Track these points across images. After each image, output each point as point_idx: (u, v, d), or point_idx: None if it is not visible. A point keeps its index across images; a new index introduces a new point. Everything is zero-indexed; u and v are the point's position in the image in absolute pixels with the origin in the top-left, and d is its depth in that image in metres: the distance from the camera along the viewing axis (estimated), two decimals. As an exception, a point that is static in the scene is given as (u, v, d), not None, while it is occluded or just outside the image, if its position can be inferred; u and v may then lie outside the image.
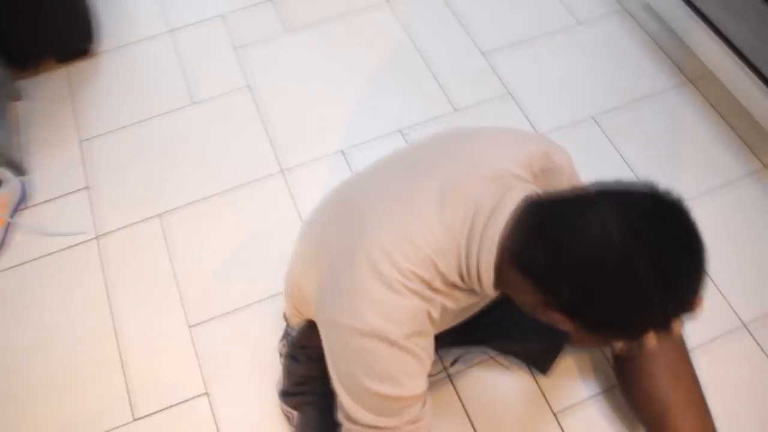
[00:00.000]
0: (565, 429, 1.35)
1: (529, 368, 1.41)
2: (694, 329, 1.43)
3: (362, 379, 0.82)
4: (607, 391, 1.38)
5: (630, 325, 0.72)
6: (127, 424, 1.39)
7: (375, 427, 0.85)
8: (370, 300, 0.80)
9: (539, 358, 1.32)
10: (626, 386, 1.26)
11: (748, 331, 1.45)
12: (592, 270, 0.69)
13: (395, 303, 0.80)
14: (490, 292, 0.84)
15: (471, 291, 0.87)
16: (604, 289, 0.69)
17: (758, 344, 1.43)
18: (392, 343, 0.79)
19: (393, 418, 0.84)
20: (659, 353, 1.15)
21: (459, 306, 0.89)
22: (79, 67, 1.96)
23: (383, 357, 0.80)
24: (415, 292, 0.81)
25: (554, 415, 1.36)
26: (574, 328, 0.74)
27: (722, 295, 1.49)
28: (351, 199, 0.94)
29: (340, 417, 0.89)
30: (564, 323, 0.74)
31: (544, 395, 1.39)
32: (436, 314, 0.85)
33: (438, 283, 0.83)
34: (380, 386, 0.81)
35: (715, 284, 1.50)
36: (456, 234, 0.82)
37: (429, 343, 0.85)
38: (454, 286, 0.85)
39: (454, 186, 0.84)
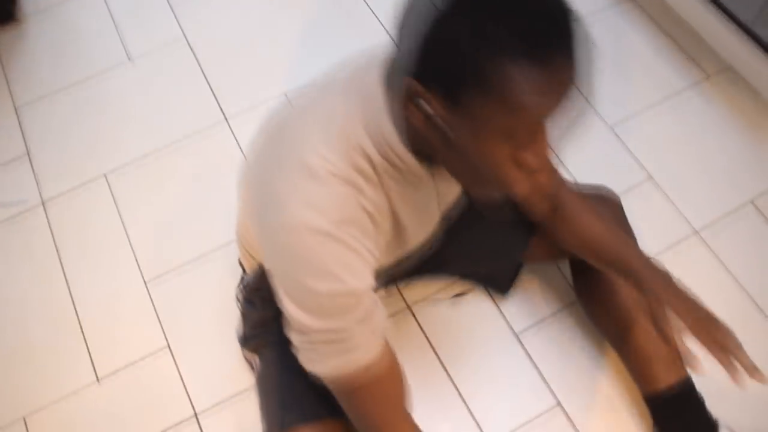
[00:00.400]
0: (527, 348, 1.37)
1: (488, 291, 1.42)
2: (647, 239, 1.46)
3: (302, 279, 0.79)
4: (567, 308, 1.40)
5: (479, 66, 0.64)
6: (91, 384, 1.38)
7: (324, 331, 0.81)
8: (295, 193, 0.78)
9: (498, 279, 1.33)
10: (586, 299, 1.28)
11: (700, 237, 1.48)
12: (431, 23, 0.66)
13: (321, 191, 0.77)
14: (410, 161, 0.80)
15: (404, 181, 0.84)
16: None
17: (710, 249, 1.46)
18: (323, 234, 0.76)
19: (340, 319, 0.81)
20: (572, 206, 1.15)
21: (395, 206, 0.86)
22: (7, 32, 1.88)
23: (317, 250, 0.77)
24: (343, 179, 0.78)
25: (516, 335, 1.38)
26: (442, 111, 0.69)
27: (673, 203, 1.51)
28: (276, 124, 0.91)
29: (290, 333, 0.86)
30: (435, 107, 0.69)
31: (504, 317, 1.40)
32: (371, 208, 0.82)
33: (366, 168, 0.80)
34: (320, 283, 0.78)
35: (665, 193, 1.52)
36: (366, 110, 0.80)
37: (366, 238, 0.82)
38: (386, 173, 0.82)
39: (360, 76, 0.83)
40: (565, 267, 1.43)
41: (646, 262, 1.06)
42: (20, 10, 1.90)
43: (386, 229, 0.89)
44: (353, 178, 0.79)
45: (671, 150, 1.59)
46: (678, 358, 1.17)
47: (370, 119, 0.79)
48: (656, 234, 1.48)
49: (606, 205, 1.23)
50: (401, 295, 1.43)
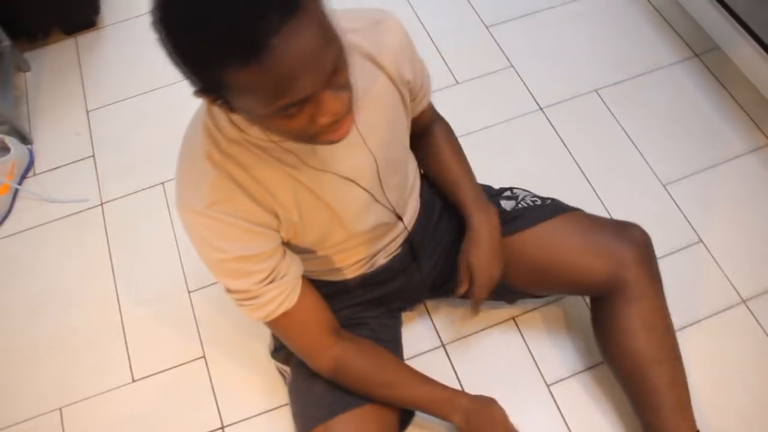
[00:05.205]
0: (557, 400, 1.35)
1: (523, 340, 1.41)
2: (692, 303, 1.43)
3: (200, 249, 0.93)
4: (602, 365, 1.38)
5: (211, 77, 0.68)
6: (126, 384, 1.43)
7: (236, 291, 0.96)
8: (183, 179, 0.91)
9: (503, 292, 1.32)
10: (602, 341, 1.25)
11: (747, 307, 1.44)
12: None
13: (198, 175, 0.88)
14: (255, 131, 0.86)
15: (255, 146, 0.89)
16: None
17: (756, 320, 1.42)
18: (199, 213, 0.88)
19: (243, 281, 0.94)
20: (633, 306, 1.15)
21: (262, 168, 0.90)
22: (87, 38, 1.98)
23: (198, 226, 0.90)
24: (209, 159, 0.87)
25: (547, 386, 1.37)
26: (228, 105, 0.74)
27: (721, 269, 1.48)
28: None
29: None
30: (222, 104, 0.74)
31: (537, 366, 1.39)
32: (242, 178, 0.88)
33: (223, 143, 0.87)
34: (211, 252, 0.92)
35: (714, 258, 1.49)
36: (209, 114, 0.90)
37: (244, 212, 0.90)
38: (239, 142, 0.88)
39: None
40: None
41: (477, 198, 1.18)
42: (101, 20, 2.00)
43: (286, 200, 0.94)
44: (215, 155, 0.87)
45: (724, 214, 1.56)
46: (688, 410, 1.16)
47: (214, 118, 0.88)
48: (702, 299, 1.45)
49: (630, 239, 1.19)
50: (437, 333, 1.44)
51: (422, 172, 1.27)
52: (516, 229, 1.22)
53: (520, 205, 1.25)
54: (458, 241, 1.26)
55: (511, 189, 1.30)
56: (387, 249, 1.18)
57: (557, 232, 1.21)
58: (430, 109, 1.21)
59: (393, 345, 1.29)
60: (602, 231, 1.20)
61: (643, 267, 1.17)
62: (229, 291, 0.98)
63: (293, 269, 1.00)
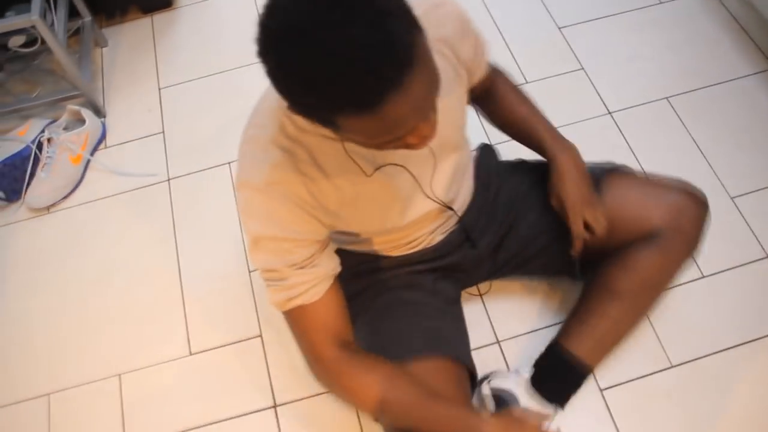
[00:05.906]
0: (610, 406, 1.34)
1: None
2: (758, 321, 1.40)
3: (244, 219, 0.96)
4: (658, 374, 1.36)
5: (328, 118, 0.73)
6: (182, 357, 1.46)
7: (264, 270, 0.98)
8: (247, 157, 0.94)
9: (571, 265, 1.31)
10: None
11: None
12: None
13: (261, 156, 0.91)
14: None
15: (324, 137, 0.91)
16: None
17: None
18: (255, 189, 0.91)
19: (274, 258, 0.96)
20: (658, 257, 1.19)
21: (326, 153, 0.93)
22: (163, 17, 2.03)
23: (250, 200, 0.93)
24: (278, 146, 0.91)
25: (600, 390, 1.36)
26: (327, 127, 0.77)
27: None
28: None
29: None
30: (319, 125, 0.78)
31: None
32: (305, 167, 0.92)
33: (291, 129, 0.91)
34: (252, 224, 0.95)
35: (781, 277, 1.46)
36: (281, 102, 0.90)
37: (297, 197, 0.92)
38: (309, 131, 0.91)
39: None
40: (663, 334, 1.40)
41: (556, 136, 1.20)
42: (178, 0, 2.05)
43: (346, 187, 0.97)
44: (284, 142, 0.91)
45: (793, 233, 1.52)
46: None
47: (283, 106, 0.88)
48: (760, 322, 1.42)
49: (690, 192, 1.23)
50: (493, 329, 1.44)
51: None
52: None
53: None
54: (516, 213, 1.29)
55: None
56: (444, 227, 1.21)
57: (613, 187, 1.23)
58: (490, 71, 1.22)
59: (449, 305, 1.28)
60: (660, 183, 1.25)
61: (699, 220, 1.22)
62: (259, 269, 1.01)
63: (327, 263, 1.01)
